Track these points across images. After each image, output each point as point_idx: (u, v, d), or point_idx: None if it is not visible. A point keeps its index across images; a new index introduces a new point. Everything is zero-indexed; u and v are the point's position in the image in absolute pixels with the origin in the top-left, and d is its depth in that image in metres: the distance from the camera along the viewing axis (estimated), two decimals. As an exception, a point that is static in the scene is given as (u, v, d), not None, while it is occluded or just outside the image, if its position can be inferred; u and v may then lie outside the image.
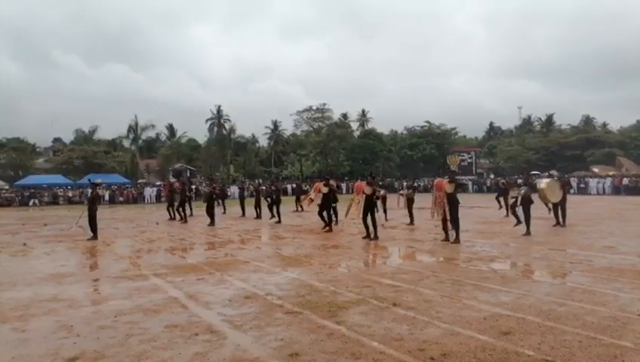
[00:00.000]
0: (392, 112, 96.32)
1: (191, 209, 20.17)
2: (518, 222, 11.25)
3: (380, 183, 16.74)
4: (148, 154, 59.73)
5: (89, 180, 15.89)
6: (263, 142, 65.46)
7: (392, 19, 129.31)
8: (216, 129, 58.08)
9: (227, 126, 58.34)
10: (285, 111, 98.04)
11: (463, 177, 47.24)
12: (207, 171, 54.52)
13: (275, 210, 16.35)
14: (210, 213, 16.03)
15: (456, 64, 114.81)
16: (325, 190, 13.19)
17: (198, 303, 5.61)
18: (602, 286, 5.95)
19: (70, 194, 36.72)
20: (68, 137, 60.89)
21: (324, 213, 13.23)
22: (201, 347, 4.06)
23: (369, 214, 10.89)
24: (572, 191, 33.88)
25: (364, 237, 11.02)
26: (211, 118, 58.07)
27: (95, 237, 12.40)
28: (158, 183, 43.27)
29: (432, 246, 9.97)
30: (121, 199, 36.89)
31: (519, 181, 15.57)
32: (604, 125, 62.67)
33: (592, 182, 35.20)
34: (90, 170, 45.25)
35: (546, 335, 4.14)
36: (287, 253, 9.59)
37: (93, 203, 12.79)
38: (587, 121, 62.25)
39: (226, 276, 7.22)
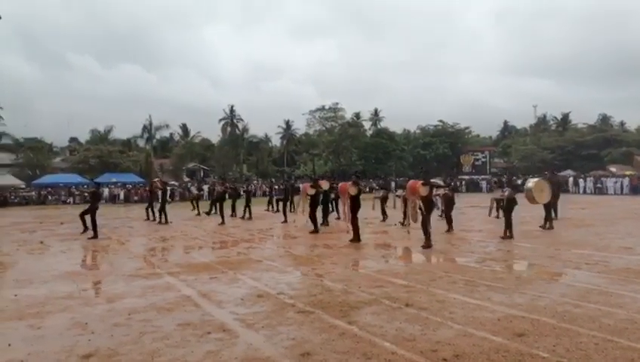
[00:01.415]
0: (405, 111, 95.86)
1: (198, 208, 20.28)
2: (509, 231, 10.51)
3: (393, 182, 16.66)
4: (162, 154, 60.22)
5: (92, 180, 15.97)
6: (276, 141, 65.75)
7: (402, 18, 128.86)
8: (229, 129, 58.43)
9: (240, 126, 58.76)
10: (297, 111, 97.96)
11: (476, 177, 46.95)
12: (220, 171, 54.86)
13: (284, 208, 16.49)
14: (221, 209, 16.16)
15: (468, 62, 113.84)
16: (312, 192, 12.81)
17: (211, 302, 5.65)
18: (619, 287, 5.84)
19: (87, 193, 37.20)
20: (84, 137, 61.71)
21: (327, 214, 13.06)
22: (214, 345, 4.08)
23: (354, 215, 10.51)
24: (585, 190, 33.48)
25: (351, 240, 10.50)
26: (224, 118, 58.45)
27: (95, 236, 12.37)
28: (172, 182, 43.66)
29: (444, 246, 9.88)
30: (135, 198, 37.30)
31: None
32: (622, 124, 61.63)
33: (609, 182, 34.60)
34: (105, 169, 45.85)
35: (561, 337, 4.08)
36: (299, 252, 9.60)
37: (94, 201, 12.91)
38: (604, 119, 61.26)
39: (239, 275, 7.25)
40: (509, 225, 10.48)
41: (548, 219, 12.18)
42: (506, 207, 10.49)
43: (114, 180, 40.48)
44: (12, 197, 36.12)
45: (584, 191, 34.46)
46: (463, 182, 43.55)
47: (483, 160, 54.09)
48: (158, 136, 58.68)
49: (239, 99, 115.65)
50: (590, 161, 47.62)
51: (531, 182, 11.82)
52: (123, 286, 6.61)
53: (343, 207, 11.14)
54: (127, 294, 6.12)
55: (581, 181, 35.62)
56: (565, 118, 62.88)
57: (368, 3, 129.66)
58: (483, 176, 47.42)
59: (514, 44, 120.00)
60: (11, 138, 51.65)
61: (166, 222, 16.42)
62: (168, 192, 20.18)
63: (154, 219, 17.32)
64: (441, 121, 58.84)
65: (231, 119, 58.28)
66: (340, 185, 11.94)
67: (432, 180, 10.10)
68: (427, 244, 9.37)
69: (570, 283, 6.29)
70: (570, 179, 36.78)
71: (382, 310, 5.06)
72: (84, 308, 5.50)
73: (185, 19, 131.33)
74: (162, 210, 16.78)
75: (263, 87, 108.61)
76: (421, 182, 9.62)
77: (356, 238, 10.51)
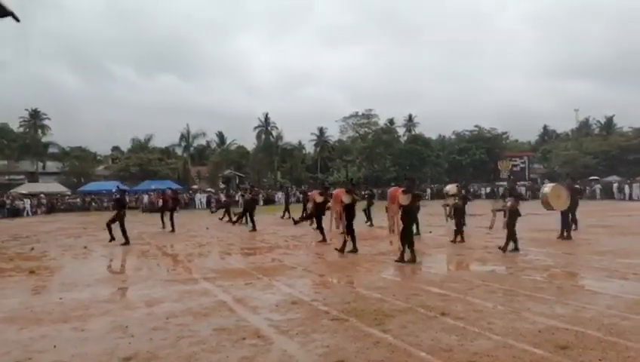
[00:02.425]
0: (440, 117, 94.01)
1: (230, 215, 20.36)
2: (514, 244, 9.63)
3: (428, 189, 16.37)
4: (199, 162, 61.67)
5: (117, 187, 16.31)
6: (310, 148, 66.18)
7: (434, 21, 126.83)
8: (263, 136, 59.37)
9: (274, 133, 59.59)
10: (330, 118, 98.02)
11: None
12: (255, 177, 55.66)
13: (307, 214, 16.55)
14: (252, 218, 16.27)
15: (504, 65, 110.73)
16: (320, 199, 12.42)
17: (246, 307, 5.71)
18: (671, 299, 5.53)
19: (127, 199, 38.44)
20: (125, 145, 63.95)
21: (334, 223, 12.67)
22: (248, 351, 4.12)
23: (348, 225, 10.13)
24: (631, 196, 31.93)
25: (336, 249, 10.19)
26: (259, 126, 59.45)
27: (126, 242, 12.65)
28: (209, 189, 44.59)
29: (481, 254, 9.64)
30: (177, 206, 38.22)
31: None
32: (672, 127, 58.62)
33: (658, 188, 32.94)
34: (145, 176, 47.34)
35: (607, 351, 3.89)
36: (333, 259, 9.58)
37: (119, 208, 13.28)
38: (652, 122, 58.50)
39: (273, 281, 7.30)
40: (511, 236, 9.53)
41: (566, 228, 11.39)
42: (509, 218, 9.59)
43: (153, 187, 41.69)
44: (59, 203, 37.85)
45: (630, 198, 32.89)
46: (500, 189, 42.49)
47: (522, 165, 52.60)
48: (195, 144, 60.40)
49: (273, 107, 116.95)
50: (637, 165, 45.41)
51: (547, 187, 11.20)
52: (161, 291, 6.77)
53: (336, 215, 10.65)
54: (165, 299, 6.27)
55: (627, 187, 34.02)
56: (609, 121, 60.41)
57: (400, 7, 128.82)
58: (522, 183, 46.11)
59: (553, 45, 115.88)
60: (58, 147, 54.26)
61: (172, 229, 16.51)
62: (182, 202, 20.35)
63: (164, 227, 17.42)
64: (477, 126, 57.74)
65: (265, 127, 59.19)
66: (334, 192, 11.33)
67: (415, 190, 9.20)
68: (401, 258, 8.62)
69: (616, 294, 5.99)
70: (615, 185, 35.23)
71: (417, 319, 4.97)
72: (125, 311, 5.67)
73: (219, 30, 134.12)
74: (171, 218, 16.98)
75: (297, 94, 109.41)
76: (402, 189, 8.89)
77: (354, 248, 10.08)
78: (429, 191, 42.91)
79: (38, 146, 52.52)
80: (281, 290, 6.67)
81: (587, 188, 36.41)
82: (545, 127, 72.12)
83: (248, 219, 16.83)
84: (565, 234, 11.40)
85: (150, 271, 8.67)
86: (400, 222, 8.75)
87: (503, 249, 9.45)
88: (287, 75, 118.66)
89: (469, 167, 52.93)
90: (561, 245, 10.55)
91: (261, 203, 38.32)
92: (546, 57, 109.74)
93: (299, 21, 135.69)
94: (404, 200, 8.66)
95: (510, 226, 9.50)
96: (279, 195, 40.50)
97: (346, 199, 10.40)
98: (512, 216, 9.59)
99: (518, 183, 44.39)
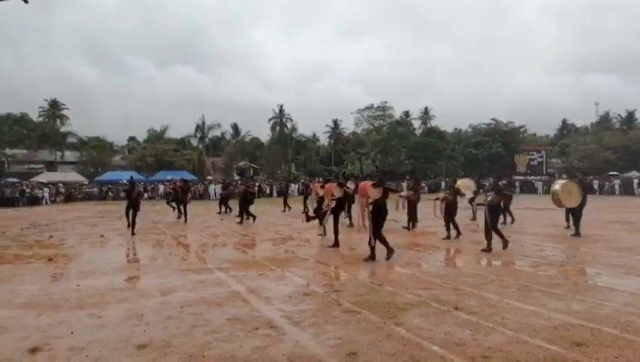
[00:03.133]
0: (457, 110, 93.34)
1: (227, 206, 20.30)
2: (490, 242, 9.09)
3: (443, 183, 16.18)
4: (214, 153, 62.06)
5: (131, 177, 16.47)
6: (324, 140, 66.13)
7: (453, 14, 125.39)
8: (278, 128, 59.47)
9: (289, 125, 59.67)
10: (345, 110, 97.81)
11: (532, 177, 45.04)
12: (269, 169, 55.89)
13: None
14: (247, 210, 16.05)
15: (524, 59, 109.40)
16: (322, 192, 11.86)
17: (259, 298, 5.74)
18: (691, 298, 5.42)
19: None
20: (142, 136, 64.64)
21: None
22: (261, 341, 4.15)
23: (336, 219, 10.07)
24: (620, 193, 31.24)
25: (330, 246, 9.99)
26: (273, 118, 59.58)
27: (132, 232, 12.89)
28: (222, 180, 44.91)
29: (495, 248, 9.54)
30: (188, 195, 38.57)
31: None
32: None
33: (680, 184, 32.21)
34: (161, 167, 47.83)
35: (623, 348, 3.83)
36: (346, 251, 9.58)
37: (128, 198, 13.85)
38: (674, 117, 57.11)
39: (286, 272, 7.34)
40: (490, 235, 9.05)
41: (577, 224, 11.11)
42: (490, 214, 9.08)
43: (169, 178, 42.13)
44: (76, 192, 38.46)
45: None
46: (517, 183, 42.01)
47: (539, 160, 51.77)
48: (210, 136, 60.77)
49: (288, 99, 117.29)
50: (658, 161, 44.52)
51: (558, 184, 10.98)
52: (176, 280, 6.85)
53: (326, 208, 10.58)
54: (179, 288, 6.34)
55: (647, 183, 33.37)
56: (630, 115, 59.23)
57: (418, 0, 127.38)
58: (539, 177, 45.46)
59: (573, 38, 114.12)
60: (76, 137, 55.09)
61: (185, 220, 16.53)
62: (195, 192, 20.30)
63: (179, 217, 17.43)
64: (494, 119, 57.00)
65: (280, 118, 59.30)
66: (326, 186, 11.07)
67: (387, 183, 8.54)
68: (371, 256, 8.20)
69: (634, 291, 5.89)
70: (636, 181, 34.54)
71: (430, 312, 4.95)
72: (140, 299, 5.75)
73: (235, 22, 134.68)
74: (184, 207, 17.03)
75: (312, 86, 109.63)
76: (372, 183, 8.19)
77: (337, 243, 9.96)
78: (443, 184, 42.67)
79: (57, 136, 53.37)
80: (294, 281, 6.70)
81: (606, 183, 35.78)
82: (564, 121, 70.95)
83: (243, 211, 16.33)
84: (575, 230, 11.10)
85: (165, 261, 8.77)
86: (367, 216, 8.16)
87: (504, 246, 9.07)
88: (302, 67, 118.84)
89: (485, 161, 52.29)
90: (578, 241, 10.39)
91: (275, 194, 38.47)
92: (567, 51, 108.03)
93: (315, 14, 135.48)
94: (375, 194, 7.99)
95: (493, 223, 9.15)
96: (292, 187, 40.61)
97: (337, 193, 10.32)
98: (494, 211, 9.22)
99: (534, 178, 43.86)
